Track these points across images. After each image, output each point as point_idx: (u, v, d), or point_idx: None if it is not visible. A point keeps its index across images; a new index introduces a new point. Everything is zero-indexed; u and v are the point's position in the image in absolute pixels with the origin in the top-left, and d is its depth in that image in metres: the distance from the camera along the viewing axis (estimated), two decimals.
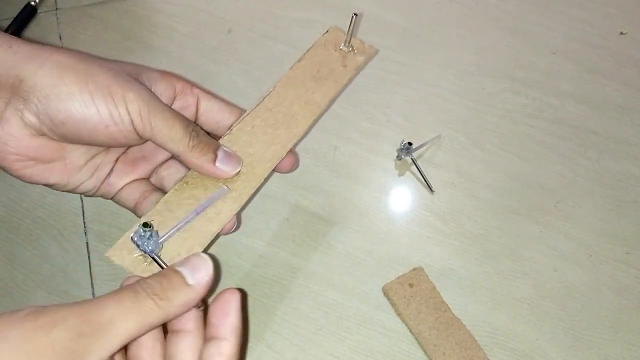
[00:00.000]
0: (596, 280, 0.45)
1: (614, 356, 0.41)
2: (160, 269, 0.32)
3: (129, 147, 0.39)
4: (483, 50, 0.60)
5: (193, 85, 0.39)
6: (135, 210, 0.38)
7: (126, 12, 0.60)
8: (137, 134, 0.34)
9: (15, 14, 0.57)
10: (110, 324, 0.25)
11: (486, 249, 0.46)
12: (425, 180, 0.49)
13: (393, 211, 0.48)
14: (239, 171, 0.37)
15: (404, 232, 0.46)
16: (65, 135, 0.33)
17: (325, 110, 0.41)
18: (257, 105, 0.40)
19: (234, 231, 0.37)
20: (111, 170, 0.38)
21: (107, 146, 0.37)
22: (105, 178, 0.38)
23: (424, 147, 0.51)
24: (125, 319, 0.26)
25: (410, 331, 0.41)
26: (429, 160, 0.51)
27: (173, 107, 0.37)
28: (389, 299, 0.43)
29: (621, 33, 0.62)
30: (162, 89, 0.37)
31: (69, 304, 0.25)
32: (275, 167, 0.38)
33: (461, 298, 0.43)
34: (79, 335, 0.25)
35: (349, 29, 0.42)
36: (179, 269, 0.29)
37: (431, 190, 0.49)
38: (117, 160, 0.38)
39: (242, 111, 0.40)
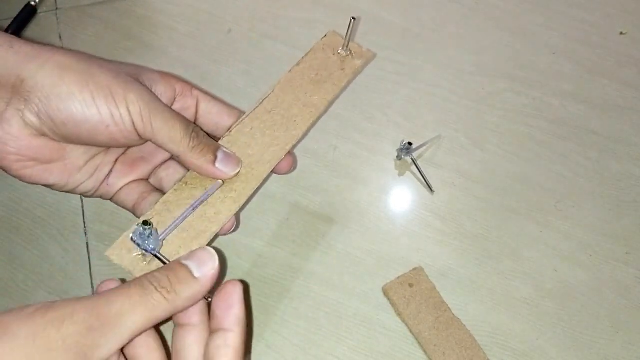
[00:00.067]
0: (596, 280, 0.45)
1: (614, 356, 0.41)
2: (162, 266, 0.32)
3: (129, 147, 0.39)
4: (483, 50, 0.60)
5: (193, 86, 0.39)
6: (134, 211, 0.38)
7: (126, 12, 0.60)
8: (138, 134, 0.34)
9: (15, 14, 0.57)
10: (119, 318, 0.26)
11: (486, 249, 0.46)
12: (425, 180, 0.49)
13: (393, 211, 0.48)
14: (238, 172, 0.37)
15: (404, 232, 0.46)
16: (66, 136, 0.33)
17: (324, 113, 0.42)
18: (256, 107, 0.40)
19: (233, 231, 0.38)
20: (110, 170, 0.38)
21: (107, 147, 0.37)
22: (105, 179, 0.38)
23: (424, 147, 0.51)
24: (133, 313, 0.26)
25: (410, 331, 0.41)
26: (429, 160, 0.51)
27: (173, 108, 0.37)
28: (389, 299, 0.43)
29: (621, 33, 0.62)
30: (162, 90, 0.37)
31: (78, 299, 0.26)
32: (274, 168, 0.38)
33: (461, 298, 0.43)
34: (89, 330, 0.25)
35: (347, 33, 0.42)
36: (185, 262, 0.29)
37: (431, 190, 0.49)
38: (116, 161, 0.38)
39: (241, 113, 0.40)
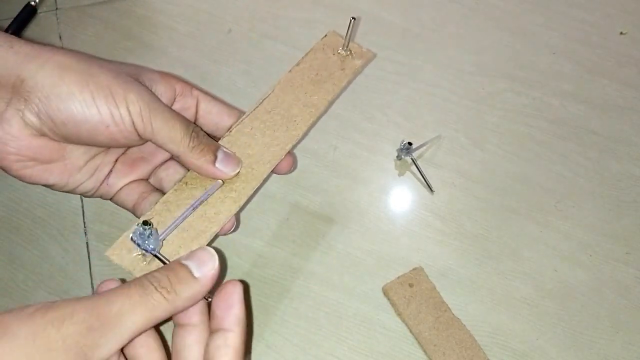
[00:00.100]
0: (596, 280, 0.45)
1: (614, 356, 0.41)
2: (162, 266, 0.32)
3: (129, 147, 0.39)
4: (483, 50, 0.60)
5: (193, 86, 0.39)
6: (134, 211, 0.38)
7: (126, 12, 0.60)
8: (138, 134, 0.34)
9: (15, 14, 0.57)
10: (119, 318, 0.26)
11: (486, 249, 0.46)
12: (425, 180, 0.49)
13: (393, 211, 0.48)
14: (238, 172, 0.37)
15: (404, 232, 0.46)
16: (66, 136, 0.33)
17: (324, 113, 0.42)
18: (256, 107, 0.40)
19: (233, 231, 0.38)
20: (110, 171, 0.38)
21: (107, 147, 0.37)
22: (105, 179, 0.38)
23: (424, 147, 0.51)
24: (133, 313, 0.26)
25: (410, 331, 0.41)
26: (429, 160, 0.51)
27: (172, 108, 0.37)
28: (389, 299, 0.43)
29: (621, 33, 0.62)
30: (162, 90, 0.37)
31: (78, 299, 0.26)
32: (274, 168, 0.38)
33: (461, 298, 0.43)
34: (89, 330, 0.25)
35: (347, 33, 0.42)
36: (185, 262, 0.29)
37: (431, 190, 0.49)
38: (116, 161, 0.38)
39: (241, 113, 0.40)
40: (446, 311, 0.42)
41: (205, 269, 0.29)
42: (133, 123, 0.33)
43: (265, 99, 0.40)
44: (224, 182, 0.36)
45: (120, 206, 0.39)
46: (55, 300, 0.25)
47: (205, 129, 0.39)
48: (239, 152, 0.38)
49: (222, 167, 0.36)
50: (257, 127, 0.39)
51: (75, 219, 0.46)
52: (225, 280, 0.42)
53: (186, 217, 0.35)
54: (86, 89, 0.32)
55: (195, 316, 0.30)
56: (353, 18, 0.41)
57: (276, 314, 0.42)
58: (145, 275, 0.28)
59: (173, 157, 0.40)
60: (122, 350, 0.29)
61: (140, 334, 0.27)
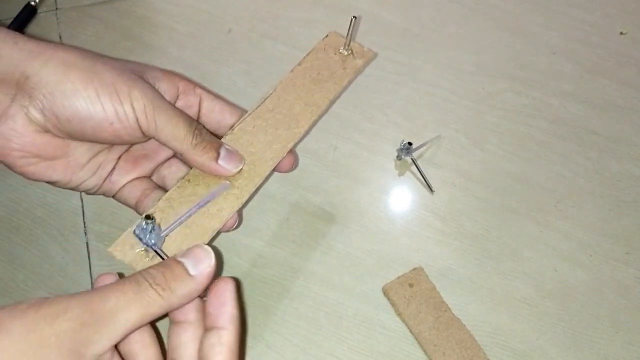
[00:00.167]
0: (596, 280, 0.45)
1: (614, 356, 0.41)
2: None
3: (132, 145, 0.39)
4: (483, 50, 0.60)
5: (196, 84, 0.39)
6: (136, 208, 0.38)
7: (126, 12, 0.60)
8: (142, 131, 0.34)
9: (15, 14, 0.57)
10: (113, 314, 0.26)
11: (486, 249, 0.46)
12: (425, 180, 0.49)
13: (393, 211, 0.48)
14: (241, 169, 0.37)
15: (404, 232, 0.46)
16: (70, 133, 0.34)
17: (325, 111, 0.42)
18: (258, 106, 0.40)
19: (235, 228, 0.38)
20: (113, 168, 0.38)
21: (110, 144, 0.37)
22: (107, 176, 0.38)
23: (424, 147, 0.51)
24: (127, 310, 0.26)
25: (410, 331, 0.41)
26: (429, 160, 0.51)
27: (176, 106, 0.37)
28: (389, 299, 0.43)
29: (621, 33, 0.62)
30: (165, 88, 0.37)
31: (72, 295, 0.26)
32: (276, 166, 0.38)
33: (461, 298, 0.43)
34: (82, 326, 0.25)
35: (348, 32, 0.42)
36: (181, 259, 0.29)
37: (431, 190, 0.49)
38: (119, 158, 0.39)
39: (243, 111, 0.40)
40: (446, 311, 0.42)
41: (201, 266, 0.29)
42: (137, 120, 0.34)
43: (267, 97, 0.41)
44: (230, 182, 0.37)
45: (122, 203, 0.39)
46: (51, 296, 0.25)
47: (207, 127, 0.39)
48: (241, 150, 0.38)
49: (225, 164, 0.36)
50: (259, 126, 0.39)
51: (75, 219, 0.46)
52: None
53: (190, 215, 0.35)
54: (90, 86, 0.32)
55: (191, 313, 0.30)
56: (354, 17, 0.41)
57: (276, 314, 0.42)
58: (140, 272, 0.28)
59: (176, 155, 0.40)
60: (116, 346, 0.29)
61: (134, 330, 0.27)
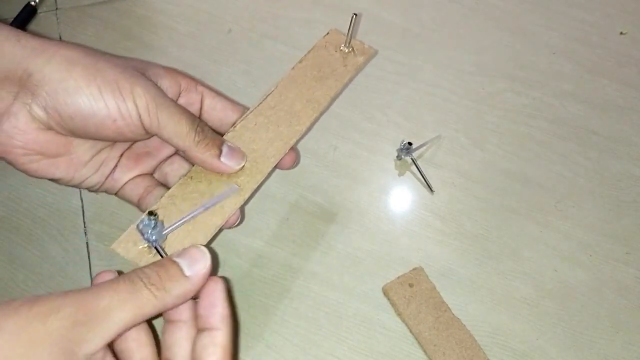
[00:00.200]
0: (596, 280, 0.45)
1: (614, 356, 0.41)
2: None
3: (134, 142, 0.39)
4: (483, 50, 0.60)
5: (197, 82, 0.39)
6: (139, 205, 0.38)
7: (126, 12, 0.60)
8: (144, 128, 0.34)
9: (15, 14, 0.57)
10: (106, 313, 0.25)
11: (486, 249, 0.46)
12: (425, 180, 0.49)
13: (393, 211, 0.48)
14: (243, 166, 0.37)
15: (404, 232, 0.46)
16: (73, 130, 0.34)
17: (327, 108, 0.42)
18: (260, 103, 0.40)
19: (237, 225, 0.38)
20: (115, 165, 0.38)
21: (113, 141, 0.37)
22: (110, 173, 0.38)
23: (424, 147, 0.51)
24: (121, 309, 0.26)
25: (410, 331, 0.41)
26: (429, 160, 0.51)
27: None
28: (389, 299, 0.43)
29: (621, 33, 0.62)
30: (167, 85, 0.37)
31: (65, 293, 0.25)
32: (278, 163, 0.39)
33: (461, 298, 0.43)
34: (75, 324, 0.25)
35: (349, 29, 0.42)
36: (176, 259, 0.29)
37: (431, 190, 0.49)
38: (121, 155, 0.39)
39: (245, 109, 0.40)
40: (446, 311, 0.42)
41: (197, 267, 0.29)
42: (140, 117, 0.34)
43: (269, 95, 0.41)
44: (238, 185, 0.37)
45: (125, 201, 0.39)
46: (44, 294, 0.25)
47: (209, 124, 0.39)
48: (243, 147, 0.38)
49: (227, 161, 0.36)
50: (261, 123, 0.40)
51: (75, 219, 0.46)
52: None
53: (195, 216, 0.35)
54: (93, 83, 0.32)
55: (184, 313, 0.30)
56: (355, 14, 0.41)
57: (276, 314, 0.42)
58: (135, 271, 0.28)
59: (178, 152, 0.40)
60: (112, 343, 0.29)
61: (127, 329, 0.27)
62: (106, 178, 0.38)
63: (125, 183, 0.38)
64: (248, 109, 0.40)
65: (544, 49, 0.60)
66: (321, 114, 0.41)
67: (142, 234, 0.32)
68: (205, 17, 0.60)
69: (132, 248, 0.33)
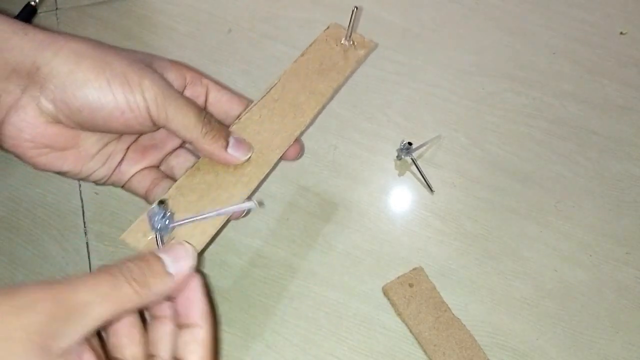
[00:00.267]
0: (596, 280, 0.45)
1: (614, 356, 0.41)
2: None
3: (141, 135, 0.39)
4: (483, 50, 0.60)
5: (202, 75, 0.39)
6: (146, 197, 0.38)
7: (126, 12, 0.60)
8: (152, 121, 0.34)
9: (15, 14, 0.57)
10: (85, 308, 0.25)
11: (486, 249, 0.46)
12: (425, 180, 0.49)
13: (393, 211, 0.48)
14: (249, 157, 0.37)
15: (404, 232, 0.46)
16: (81, 123, 0.34)
17: (330, 100, 0.42)
18: (264, 96, 0.41)
19: (244, 216, 0.38)
20: (122, 158, 0.38)
21: (121, 133, 0.37)
22: (117, 166, 0.38)
23: (424, 147, 0.51)
24: (100, 304, 0.25)
25: (410, 331, 0.41)
26: (429, 160, 0.51)
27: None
28: (389, 299, 0.43)
29: (621, 33, 0.62)
30: (173, 78, 0.37)
31: (43, 285, 0.25)
32: (283, 154, 0.39)
33: (461, 298, 0.43)
34: (52, 319, 0.24)
35: (349, 23, 0.42)
36: (160, 255, 0.29)
37: (431, 190, 0.49)
38: (128, 148, 0.39)
39: (249, 101, 0.41)
40: (446, 311, 0.42)
41: (180, 265, 0.29)
42: (148, 109, 0.34)
43: (272, 87, 0.41)
44: (257, 204, 0.37)
45: (132, 193, 0.39)
46: (22, 285, 0.25)
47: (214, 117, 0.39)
48: (249, 139, 0.38)
49: (234, 153, 0.36)
50: (265, 115, 0.40)
51: (75, 219, 0.46)
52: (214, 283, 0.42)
53: (206, 218, 0.35)
54: (102, 76, 0.32)
55: (168, 309, 0.30)
56: (356, 7, 0.41)
57: (276, 314, 0.42)
58: (116, 265, 0.27)
59: (184, 144, 0.40)
60: (104, 338, 0.29)
61: (106, 324, 0.26)
62: (113, 171, 0.38)
63: (132, 176, 0.39)
64: (252, 102, 0.41)
65: (544, 49, 0.60)
66: (324, 106, 0.41)
67: (150, 221, 0.33)
68: (205, 17, 0.60)
69: (142, 238, 0.33)
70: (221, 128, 0.37)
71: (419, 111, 0.54)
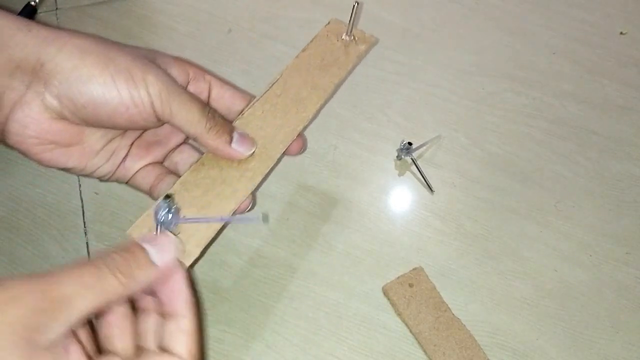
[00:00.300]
0: (596, 280, 0.45)
1: (614, 356, 0.41)
2: None
3: (144, 131, 0.39)
4: (483, 50, 0.60)
5: (205, 71, 0.40)
6: (150, 193, 0.38)
7: (126, 12, 0.60)
8: (156, 116, 0.34)
9: (15, 14, 0.57)
10: (69, 300, 0.25)
11: (486, 249, 0.46)
12: (425, 180, 0.49)
13: (393, 211, 0.48)
14: (253, 152, 0.38)
15: (404, 232, 0.46)
16: (86, 119, 0.34)
17: (332, 95, 0.42)
18: (266, 91, 0.41)
19: (249, 210, 0.38)
20: (126, 154, 0.38)
21: (125, 129, 0.37)
22: (121, 162, 0.38)
23: (424, 147, 0.51)
24: (84, 296, 0.25)
25: (410, 331, 0.41)
26: (429, 160, 0.51)
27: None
28: (389, 299, 0.43)
29: (621, 33, 0.62)
30: (176, 74, 0.37)
31: (27, 278, 0.25)
32: (286, 149, 0.39)
33: (461, 298, 0.43)
34: (36, 312, 0.24)
35: (350, 18, 0.43)
36: (145, 245, 0.29)
37: (431, 190, 0.49)
38: (132, 144, 0.39)
39: (252, 97, 0.41)
40: (446, 311, 0.42)
41: (165, 256, 0.29)
42: (152, 104, 0.34)
43: (274, 83, 0.41)
44: (263, 219, 0.37)
45: (137, 189, 0.39)
46: (6, 279, 0.25)
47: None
48: (252, 134, 0.38)
49: (238, 147, 0.37)
50: (268, 110, 0.40)
51: (75, 219, 0.46)
52: (213, 283, 0.42)
53: (210, 222, 0.35)
54: (106, 71, 0.32)
55: (153, 302, 0.30)
56: (357, 2, 0.41)
57: (276, 314, 0.42)
58: (101, 257, 0.27)
59: (188, 140, 0.40)
60: (95, 329, 0.29)
61: (91, 315, 0.26)
62: (117, 167, 0.38)
63: (137, 172, 0.39)
64: (255, 97, 0.41)
65: (544, 49, 0.60)
66: (326, 101, 0.41)
67: (155, 215, 0.33)
68: (205, 17, 0.60)
69: (148, 233, 0.33)
70: (225, 123, 0.37)
71: (419, 111, 0.54)
